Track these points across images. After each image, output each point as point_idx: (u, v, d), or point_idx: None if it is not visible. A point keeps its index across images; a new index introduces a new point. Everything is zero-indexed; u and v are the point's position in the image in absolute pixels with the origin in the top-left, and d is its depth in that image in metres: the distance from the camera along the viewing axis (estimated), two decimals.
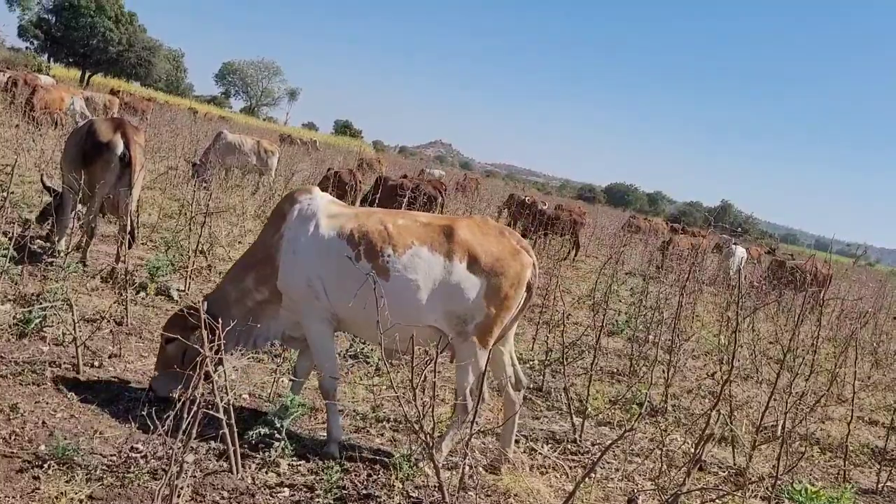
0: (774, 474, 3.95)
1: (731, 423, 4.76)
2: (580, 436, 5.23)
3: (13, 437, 3.68)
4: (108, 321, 5.64)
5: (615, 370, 7.63)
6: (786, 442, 4.26)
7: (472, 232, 4.42)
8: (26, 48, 54.61)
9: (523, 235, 17.47)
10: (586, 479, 4.63)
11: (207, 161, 14.96)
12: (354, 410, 5.10)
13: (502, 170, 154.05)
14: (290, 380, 4.86)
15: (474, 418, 3.86)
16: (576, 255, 18.42)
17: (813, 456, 5.89)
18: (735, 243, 18.45)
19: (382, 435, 4.78)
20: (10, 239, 5.84)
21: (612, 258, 10.81)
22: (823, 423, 6.75)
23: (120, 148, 7.29)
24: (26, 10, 55.62)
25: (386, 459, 4.24)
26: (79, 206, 7.54)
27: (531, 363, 7.05)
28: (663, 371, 6.54)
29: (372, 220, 4.42)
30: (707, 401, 6.77)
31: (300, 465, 4.06)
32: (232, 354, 4.64)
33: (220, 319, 4.25)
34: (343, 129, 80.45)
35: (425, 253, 4.30)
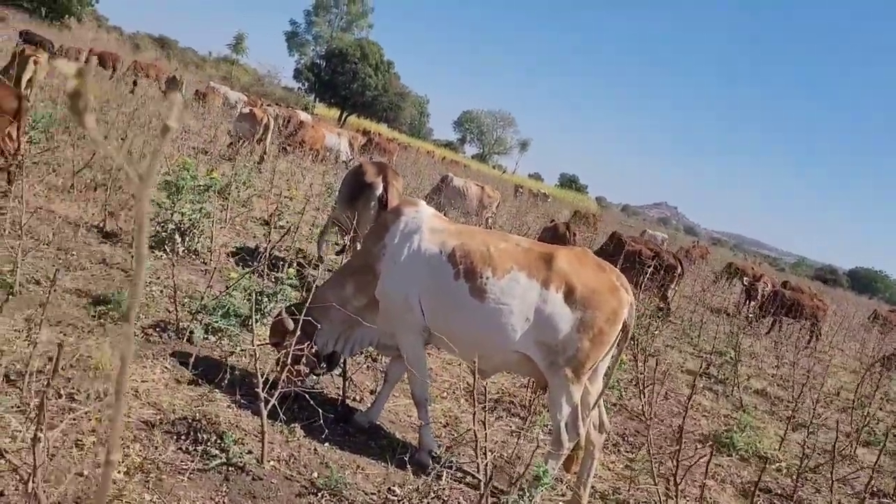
0: None
1: None
2: None
3: (292, 460, 4.00)
4: (366, 358, 6.02)
5: (875, 489, 6.75)
6: None
7: (571, 263, 4.31)
8: (297, 88, 61.55)
9: (761, 316, 16.36)
10: None
11: (431, 203, 15.66)
12: (592, 487, 4.95)
13: (730, 239, 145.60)
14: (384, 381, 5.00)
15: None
16: (816, 345, 16.78)
17: None
18: None
19: None
20: (290, 267, 6.48)
21: (877, 357, 9.63)
22: None
23: (379, 190, 8.02)
24: (303, 56, 62.97)
25: None
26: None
27: (779, 465, 6.45)
28: None
29: (475, 241, 4.41)
30: None
31: None
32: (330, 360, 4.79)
33: (319, 324, 4.52)
34: (569, 182, 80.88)
35: (523, 278, 4.24)
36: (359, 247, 8.04)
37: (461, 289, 4.30)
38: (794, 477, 5.95)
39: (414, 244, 4.47)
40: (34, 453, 2.20)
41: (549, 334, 4.23)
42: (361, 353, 5.32)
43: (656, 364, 5.95)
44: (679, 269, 11.73)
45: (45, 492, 2.29)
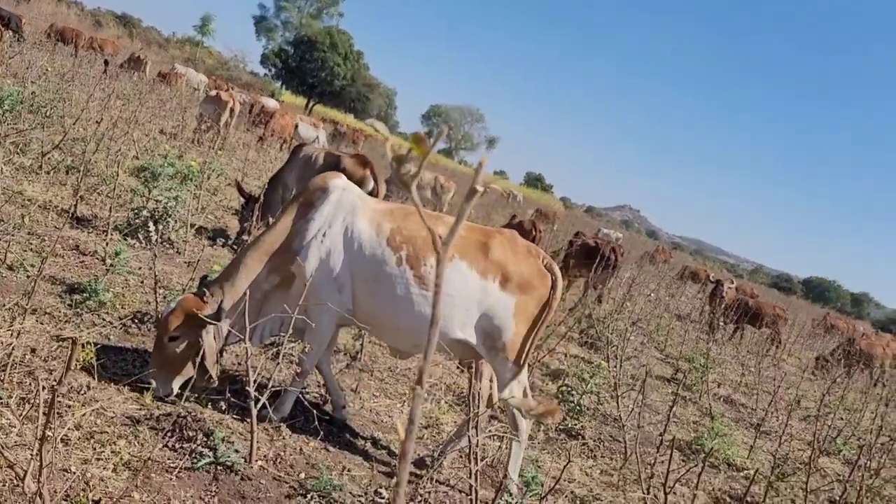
0: None
1: None
2: None
3: (279, 461, 3.93)
4: (346, 356, 5.97)
5: (835, 500, 6.92)
6: None
7: (506, 250, 4.39)
8: (264, 74, 60.68)
9: (725, 322, 16.68)
10: None
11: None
12: (572, 492, 4.99)
13: (690, 244, 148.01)
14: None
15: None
16: (776, 353, 17.17)
17: None
18: None
19: None
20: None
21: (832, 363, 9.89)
22: None
23: (371, 184, 8.13)
24: (271, 41, 62.13)
25: None
26: None
27: (746, 472, 6.58)
28: None
29: (412, 223, 4.31)
30: None
31: None
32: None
33: (225, 311, 4.25)
34: (535, 181, 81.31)
35: (464, 268, 4.27)
36: None
37: (405, 276, 4.22)
38: (765, 486, 6.08)
39: (346, 223, 4.30)
40: (41, 453, 2.13)
41: (487, 322, 4.29)
42: (296, 341, 4.99)
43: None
44: (613, 260, 12.17)
45: (50, 492, 2.21)
